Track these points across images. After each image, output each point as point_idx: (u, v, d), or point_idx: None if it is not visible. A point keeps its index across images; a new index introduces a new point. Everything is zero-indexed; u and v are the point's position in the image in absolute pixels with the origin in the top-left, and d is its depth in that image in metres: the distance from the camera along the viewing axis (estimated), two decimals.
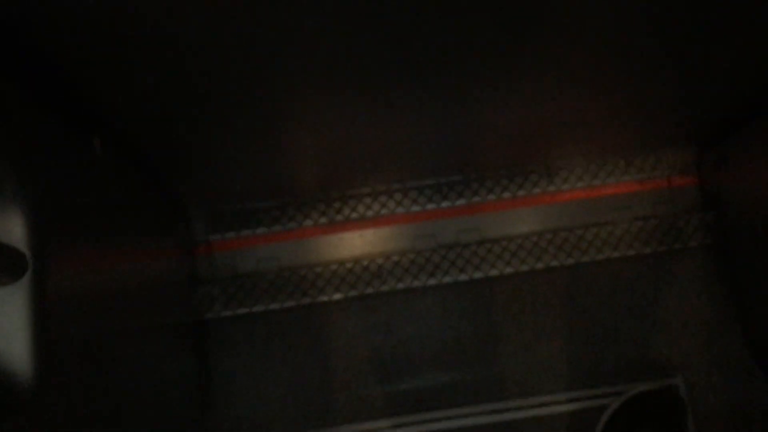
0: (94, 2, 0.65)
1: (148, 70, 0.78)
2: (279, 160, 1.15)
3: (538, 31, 0.83)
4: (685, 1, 0.81)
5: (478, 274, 1.35)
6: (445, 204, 1.38)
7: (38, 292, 0.60)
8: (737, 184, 1.24)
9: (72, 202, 0.76)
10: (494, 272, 1.35)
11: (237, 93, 0.88)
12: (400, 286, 1.35)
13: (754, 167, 1.16)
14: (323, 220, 1.36)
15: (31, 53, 0.69)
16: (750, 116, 1.14)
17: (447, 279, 1.35)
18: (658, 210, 1.38)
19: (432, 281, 1.35)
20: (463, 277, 1.35)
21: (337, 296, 1.33)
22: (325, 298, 1.33)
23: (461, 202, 1.38)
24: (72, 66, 0.74)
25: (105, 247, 0.86)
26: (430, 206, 1.38)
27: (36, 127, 0.69)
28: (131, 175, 1.02)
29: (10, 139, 0.61)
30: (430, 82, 0.93)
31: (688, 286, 1.35)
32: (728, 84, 1.08)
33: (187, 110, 0.91)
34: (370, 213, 1.37)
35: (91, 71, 0.77)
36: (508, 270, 1.35)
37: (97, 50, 0.73)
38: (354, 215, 1.37)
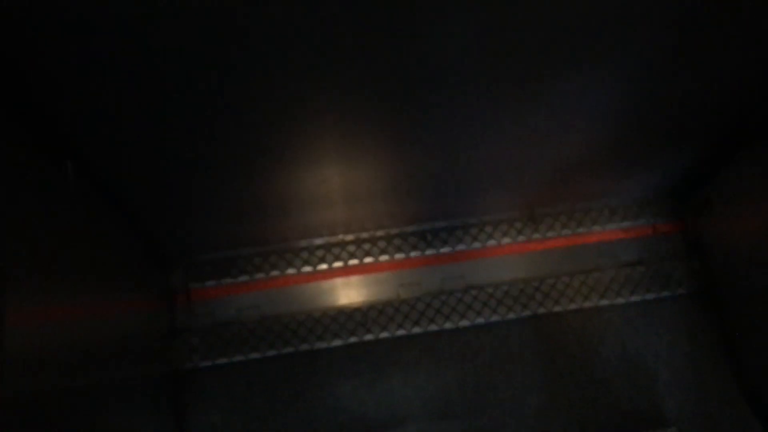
0: (80, 39, 0.65)
1: (127, 101, 0.77)
2: (262, 206, 1.13)
3: (521, 74, 0.84)
4: (664, 52, 0.82)
5: (464, 323, 1.32)
6: (429, 252, 1.36)
7: None
8: (720, 227, 1.24)
9: (37, 235, 0.71)
10: (480, 320, 1.32)
11: (221, 130, 0.87)
12: (385, 335, 1.32)
13: (736, 208, 1.16)
14: (307, 268, 1.34)
15: (6, 74, 0.68)
16: (729, 160, 1.14)
17: (433, 327, 1.32)
18: (644, 256, 1.37)
19: (417, 330, 1.32)
20: (448, 325, 1.32)
21: (321, 345, 1.30)
22: (307, 347, 1.29)
23: (446, 249, 1.36)
24: (48, 89, 0.72)
25: (74, 294, 0.80)
26: (415, 254, 1.36)
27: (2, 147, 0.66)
28: (106, 213, 0.97)
29: None
30: (413, 125, 0.93)
31: (679, 334, 1.32)
32: (706, 128, 1.08)
33: (167, 145, 0.89)
34: (354, 261, 1.35)
35: (70, 98, 0.74)
36: (495, 318, 1.33)
37: (77, 79, 0.72)
38: (338, 263, 1.35)
